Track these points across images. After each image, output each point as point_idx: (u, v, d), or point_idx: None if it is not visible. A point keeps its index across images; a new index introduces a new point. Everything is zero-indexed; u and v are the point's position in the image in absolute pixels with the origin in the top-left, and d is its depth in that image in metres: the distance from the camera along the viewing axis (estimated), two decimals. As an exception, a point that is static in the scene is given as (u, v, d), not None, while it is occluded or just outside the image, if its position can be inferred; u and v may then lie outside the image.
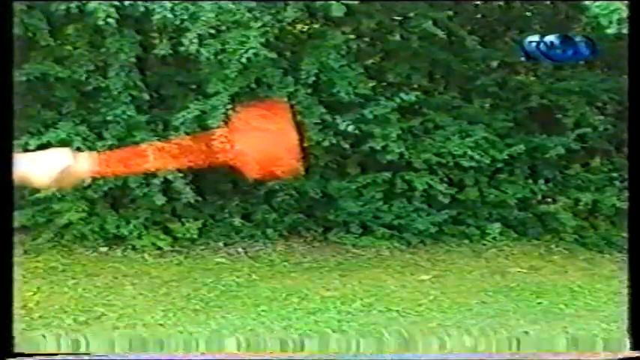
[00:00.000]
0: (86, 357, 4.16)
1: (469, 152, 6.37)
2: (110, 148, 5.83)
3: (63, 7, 5.38)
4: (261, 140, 1.99)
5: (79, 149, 5.69)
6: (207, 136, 2.08)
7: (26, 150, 5.62)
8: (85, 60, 5.90)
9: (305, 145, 2.06)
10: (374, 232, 6.54)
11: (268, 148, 2.00)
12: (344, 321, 4.81)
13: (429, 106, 6.66)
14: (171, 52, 5.72)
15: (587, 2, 4.92)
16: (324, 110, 6.10)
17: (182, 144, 2.09)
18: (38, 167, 1.93)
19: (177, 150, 2.06)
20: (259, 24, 5.47)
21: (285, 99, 5.99)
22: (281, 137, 2.00)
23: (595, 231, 6.83)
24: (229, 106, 5.71)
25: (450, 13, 6.50)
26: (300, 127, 2.11)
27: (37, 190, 5.80)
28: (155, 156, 2.04)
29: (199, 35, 5.35)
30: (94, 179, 5.67)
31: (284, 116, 2.05)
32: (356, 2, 5.66)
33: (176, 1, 5.33)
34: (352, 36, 6.50)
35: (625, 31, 4.38)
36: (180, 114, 5.79)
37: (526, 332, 4.68)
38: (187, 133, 5.88)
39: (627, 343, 3.33)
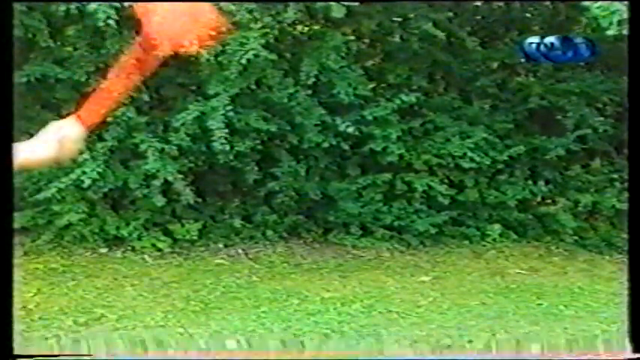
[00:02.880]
0: (86, 358, 4.16)
1: (469, 153, 6.37)
2: (110, 149, 5.85)
3: (63, 8, 5.38)
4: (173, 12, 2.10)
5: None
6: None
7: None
8: (85, 61, 5.90)
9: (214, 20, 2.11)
10: (374, 233, 6.54)
11: (181, 17, 2.10)
12: (344, 322, 4.81)
13: (429, 108, 6.66)
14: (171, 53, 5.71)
15: (586, 3, 4.92)
16: (323, 111, 6.10)
17: (133, 58, 2.14)
18: (37, 147, 2.02)
19: (131, 66, 2.13)
20: (259, 25, 5.47)
21: (285, 99, 6.01)
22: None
23: (595, 232, 6.83)
24: (229, 108, 5.72)
25: (450, 14, 6.50)
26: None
27: (38, 191, 5.81)
28: (117, 81, 2.12)
29: (199, 36, 5.34)
30: (95, 181, 5.69)
31: None
32: (356, 3, 5.66)
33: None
34: (352, 37, 6.49)
35: (625, 32, 4.38)
36: (180, 115, 5.79)
37: (526, 333, 4.68)
38: (188, 135, 5.90)
39: (627, 344, 3.33)
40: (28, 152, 2.03)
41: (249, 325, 4.72)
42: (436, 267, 6.09)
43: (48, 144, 2.02)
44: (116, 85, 2.12)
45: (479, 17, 7.07)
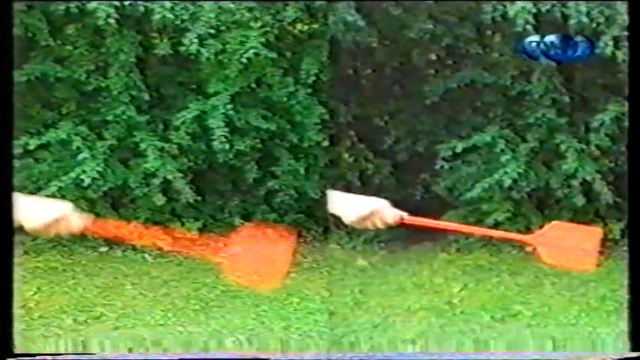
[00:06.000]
0: (86, 357, 4.16)
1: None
2: (110, 148, 5.84)
3: (63, 7, 5.38)
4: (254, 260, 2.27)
5: (78, 149, 5.69)
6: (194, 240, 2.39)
7: (26, 150, 5.62)
8: (85, 60, 5.90)
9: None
10: (374, 232, 6.54)
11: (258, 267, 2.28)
12: (344, 321, 4.81)
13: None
14: (171, 52, 5.72)
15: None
16: (323, 110, 6.10)
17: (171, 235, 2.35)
18: (36, 210, 2.04)
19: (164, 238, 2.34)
20: (259, 24, 5.47)
21: (285, 98, 6.01)
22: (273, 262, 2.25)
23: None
24: (229, 106, 5.72)
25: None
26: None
27: (38, 190, 5.80)
28: (140, 236, 2.33)
29: (199, 35, 5.35)
30: (95, 180, 5.69)
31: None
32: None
33: (176, 1, 5.33)
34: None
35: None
36: (181, 114, 5.79)
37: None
38: (188, 133, 5.90)
39: (627, 343, 3.33)
40: (28, 212, 2.05)
41: (248, 323, 4.73)
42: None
43: (47, 216, 2.03)
44: (134, 235, 2.35)
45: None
